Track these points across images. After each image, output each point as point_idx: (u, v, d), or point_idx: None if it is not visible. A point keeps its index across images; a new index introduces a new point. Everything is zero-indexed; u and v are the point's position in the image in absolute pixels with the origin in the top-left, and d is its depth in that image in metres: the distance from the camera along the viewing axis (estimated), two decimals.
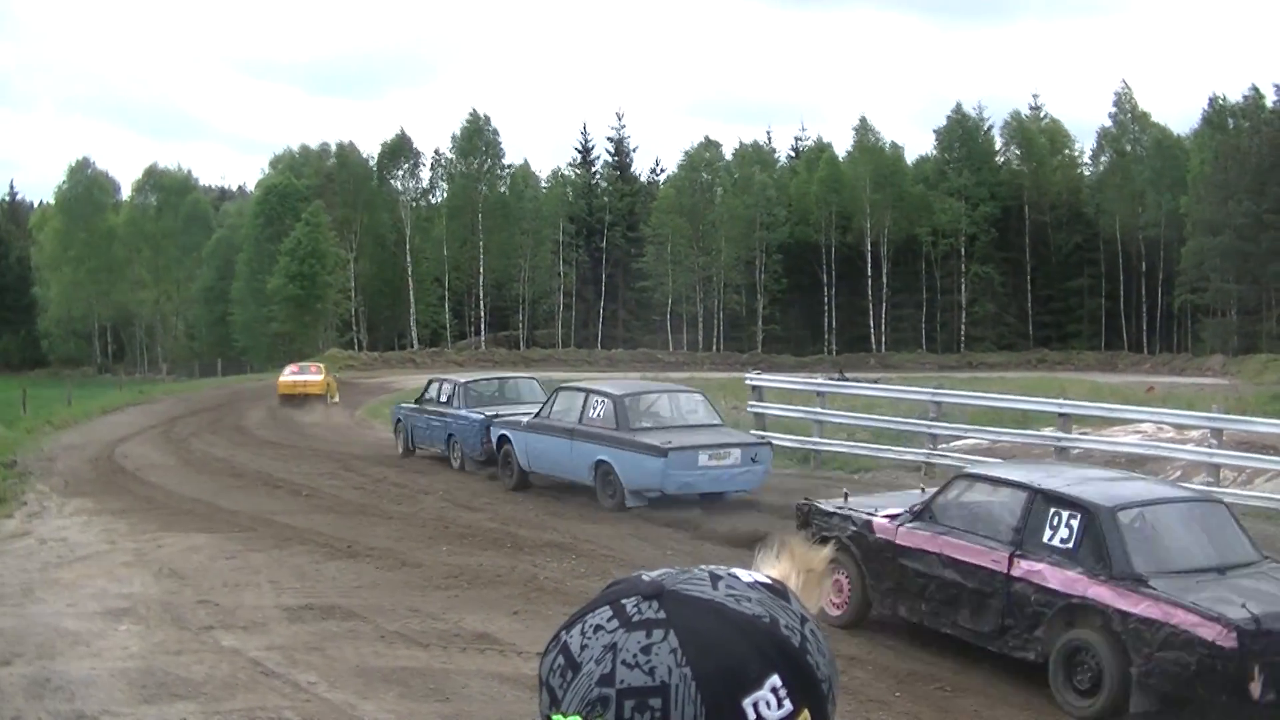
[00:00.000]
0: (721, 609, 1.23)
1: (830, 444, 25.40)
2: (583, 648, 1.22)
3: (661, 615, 1.21)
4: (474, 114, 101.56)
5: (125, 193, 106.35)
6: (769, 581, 1.31)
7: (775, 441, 26.27)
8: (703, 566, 1.31)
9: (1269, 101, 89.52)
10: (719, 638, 1.20)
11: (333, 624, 12.30)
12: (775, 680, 1.20)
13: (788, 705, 1.20)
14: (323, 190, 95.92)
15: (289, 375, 50.24)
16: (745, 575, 1.30)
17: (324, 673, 10.64)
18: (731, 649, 1.20)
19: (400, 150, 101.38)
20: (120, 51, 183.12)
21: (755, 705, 1.19)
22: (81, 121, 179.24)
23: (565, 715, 1.19)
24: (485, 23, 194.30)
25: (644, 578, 1.29)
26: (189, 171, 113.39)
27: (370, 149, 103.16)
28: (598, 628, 1.23)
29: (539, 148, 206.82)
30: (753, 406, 27.69)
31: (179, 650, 11.39)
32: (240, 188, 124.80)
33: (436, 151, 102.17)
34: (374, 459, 27.80)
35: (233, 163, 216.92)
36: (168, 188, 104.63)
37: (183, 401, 50.45)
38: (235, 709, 9.65)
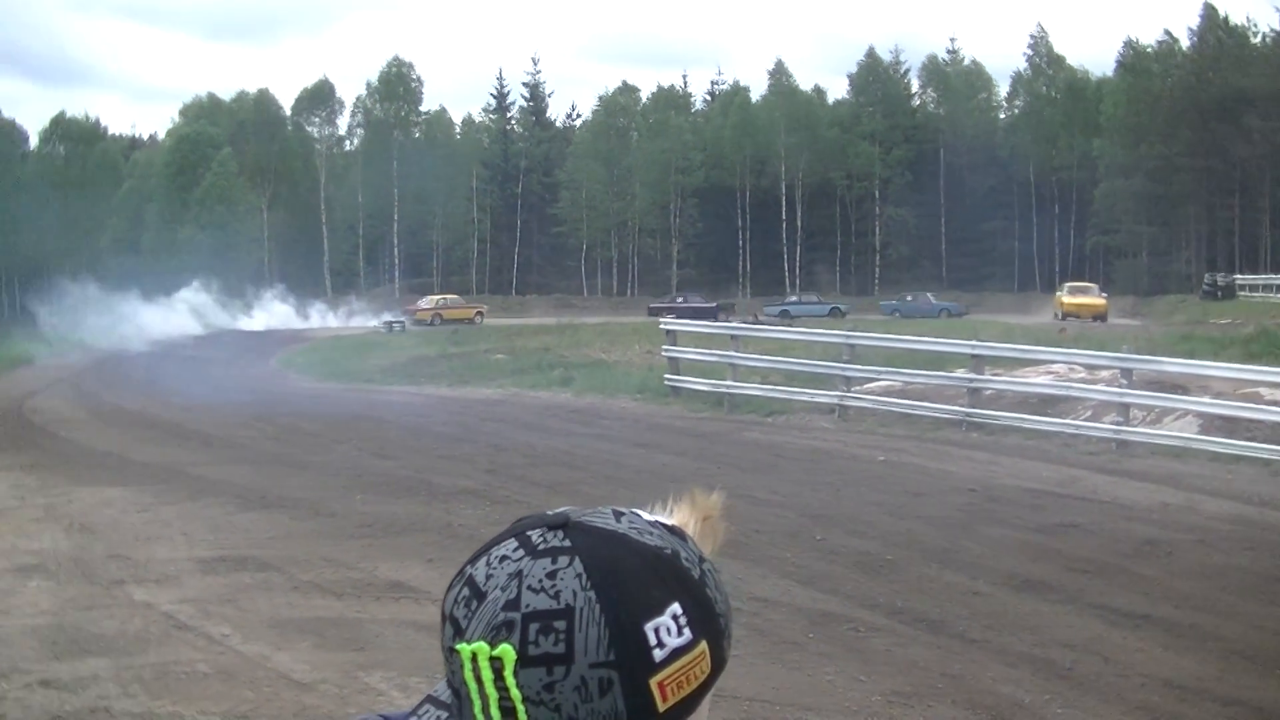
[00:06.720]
0: (625, 539, 1.26)
1: (744, 387, 25.52)
2: (488, 578, 1.24)
3: (567, 544, 1.24)
4: (396, 59, 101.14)
5: (33, 142, 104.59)
6: (669, 524, 1.34)
7: (690, 386, 26.48)
8: (605, 506, 1.34)
9: (1183, 45, 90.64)
10: (623, 564, 1.23)
11: (246, 575, 12.21)
12: (676, 608, 1.23)
13: (688, 634, 1.23)
14: (234, 138, 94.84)
15: None
16: (646, 515, 1.34)
17: (237, 625, 10.58)
18: (634, 575, 1.23)
19: (320, 96, 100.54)
20: None
21: (656, 630, 1.21)
22: None
23: (470, 644, 1.21)
24: None
25: (549, 512, 1.32)
26: (97, 120, 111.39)
27: (279, 96, 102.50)
28: (503, 558, 1.25)
29: (452, 94, 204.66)
30: (667, 351, 27.76)
31: (90, 605, 11.27)
32: (151, 136, 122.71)
33: (358, 98, 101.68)
34: (289, 409, 27.65)
35: (129, 111, 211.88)
36: (76, 137, 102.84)
37: (93, 354, 49.83)
38: (148, 663, 9.57)
